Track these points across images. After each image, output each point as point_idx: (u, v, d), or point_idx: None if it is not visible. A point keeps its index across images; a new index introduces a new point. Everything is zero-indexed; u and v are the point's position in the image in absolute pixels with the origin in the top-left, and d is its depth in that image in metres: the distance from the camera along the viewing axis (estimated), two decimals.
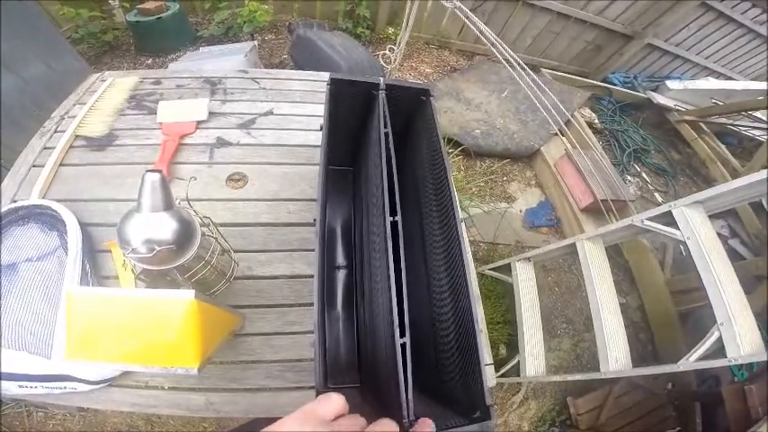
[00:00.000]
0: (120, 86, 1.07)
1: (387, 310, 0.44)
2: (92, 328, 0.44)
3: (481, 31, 1.81)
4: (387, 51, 2.57)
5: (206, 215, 0.61)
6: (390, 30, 3.26)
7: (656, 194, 3.01)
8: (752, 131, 3.27)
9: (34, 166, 0.87)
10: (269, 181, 0.92)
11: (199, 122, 1.00)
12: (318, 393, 0.41)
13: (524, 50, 3.51)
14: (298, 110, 1.09)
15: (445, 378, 0.55)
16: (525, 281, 1.60)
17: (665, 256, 2.47)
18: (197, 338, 0.44)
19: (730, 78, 3.99)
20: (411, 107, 0.74)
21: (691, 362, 0.98)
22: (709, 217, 1.06)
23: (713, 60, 3.88)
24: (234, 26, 2.77)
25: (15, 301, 0.65)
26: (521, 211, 2.59)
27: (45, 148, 0.91)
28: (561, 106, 2.01)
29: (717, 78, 3.92)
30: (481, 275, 1.93)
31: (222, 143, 0.98)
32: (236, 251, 0.75)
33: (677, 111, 3.38)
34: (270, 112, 1.07)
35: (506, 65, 1.86)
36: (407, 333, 0.41)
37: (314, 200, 0.90)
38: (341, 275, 0.80)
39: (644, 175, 3.14)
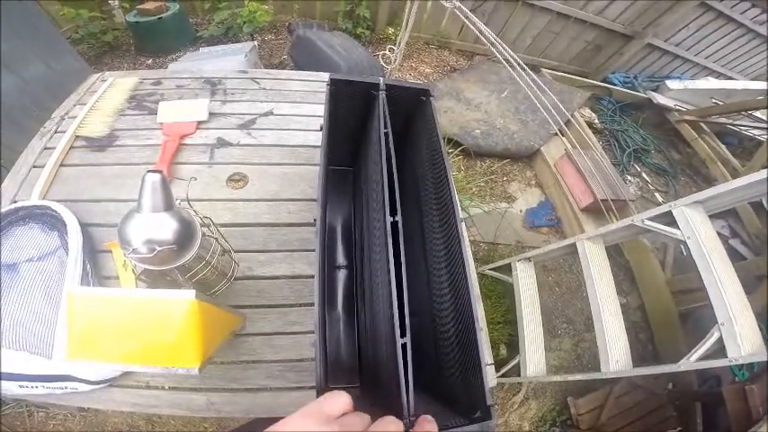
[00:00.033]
0: (121, 87, 1.07)
1: (387, 309, 0.44)
2: (92, 328, 0.44)
3: (481, 31, 1.81)
4: (387, 51, 2.57)
5: (206, 215, 0.61)
6: (390, 30, 3.26)
7: (656, 194, 3.01)
8: (752, 131, 3.27)
9: (35, 167, 0.87)
10: (269, 181, 0.92)
11: (199, 123, 1.00)
12: (319, 393, 0.41)
13: (524, 50, 3.51)
14: (298, 110, 1.09)
15: (446, 378, 0.55)
16: (526, 281, 1.60)
17: (665, 256, 2.47)
18: (198, 338, 0.44)
19: (730, 78, 3.99)
20: (411, 107, 0.74)
21: (691, 362, 0.98)
22: (710, 217, 1.06)
23: (713, 60, 3.88)
24: (234, 26, 2.77)
25: (16, 301, 0.65)
26: (521, 211, 2.59)
27: (45, 149, 0.91)
28: (561, 106, 2.01)
29: (717, 78, 3.92)
30: (481, 275, 1.93)
31: (222, 143, 0.98)
32: (236, 251, 0.75)
33: (677, 111, 3.38)
34: (270, 113, 1.07)
35: (506, 65, 1.86)
36: (408, 333, 0.41)
37: (314, 200, 0.90)
38: (341, 275, 0.80)
39: (644, 174, 3.14)
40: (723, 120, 3.28)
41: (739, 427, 1.54)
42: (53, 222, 0.74)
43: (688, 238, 1.02)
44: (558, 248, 1.46)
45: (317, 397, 0.32)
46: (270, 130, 1.03)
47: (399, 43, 2.41)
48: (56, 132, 0.95)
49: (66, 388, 0.63)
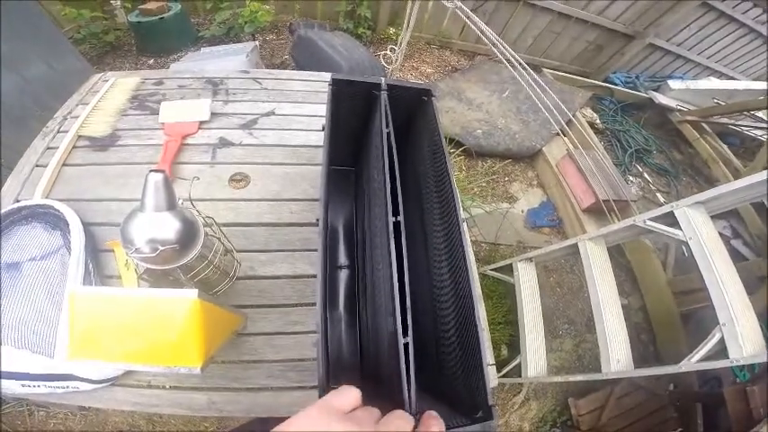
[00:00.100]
0: (123, 87, 1.07)
1: (389, 309, 0.44)
2: (95, 327, 0.44)
3: (482, 31, 1.81)
4: (388, 51, 2.57)
5: (209, 215, 0.61)
6: (391, 30, 3.26)
7: (658, 195, 3.01)
8: (754, 131, 3.27)
9: (37, 166, 0.88)
10: (271, 181, 0.92)
11: (201, 123, 1.00)
12: (322, 392, 0.41)
13: (525, 50, 3.51)
14: (299, 110, 1.09)
15: (447, 378, 0.55)
16: (527, 281, 1.60)
17: (667, 257, 2.47)
18: (200, 338, 0.44)
19: (732, 78, 3.98)
20: (412, 107, 0.74)
21: (693, 363, 0.98)
22: (712, 217, 1.06)
23: (715, 60, 3.88)
24: (235, 26, 2.78)
25: (19, 300, 0.65)
26: (522, 212, 2.59)
27: (48, 148, 0.91)
28: (563, 106, 2.02)
29: (718, 78, 3.91)
30: (483, 276, 1.93)
31: (224, 143, 0.98)
32: (238, 251, 0.76)
33: (679, 111, 3.38)
34: (272, 113, 1.07)
35: (507, 65, 1.86)
36: (410, 333, 0.41)
37: (316, 200, 0.90)
38: (343, 275, 0.80)
39: (646, 175, 3.14)
40: (725, 120, 3.28)
41: (740, 429, 1.54)
42: (56, 222, 0.75)
43: (690, 238, 1.02)
44: (559, 249, 1.46)
45: (320, 397, 0.32)
46: (271, 130, 1.03)
47: (401, 43, 2.41)
48: (58, 132, 0.95)
49: (67, 387, 0.63)
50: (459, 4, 1.82)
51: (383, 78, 0.67)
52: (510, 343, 1.95)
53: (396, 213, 0.49)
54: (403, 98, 0.70)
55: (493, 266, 1.86)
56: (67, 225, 0.72)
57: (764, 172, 0.94)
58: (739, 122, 3.27)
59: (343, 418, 0.29)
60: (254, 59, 2.51)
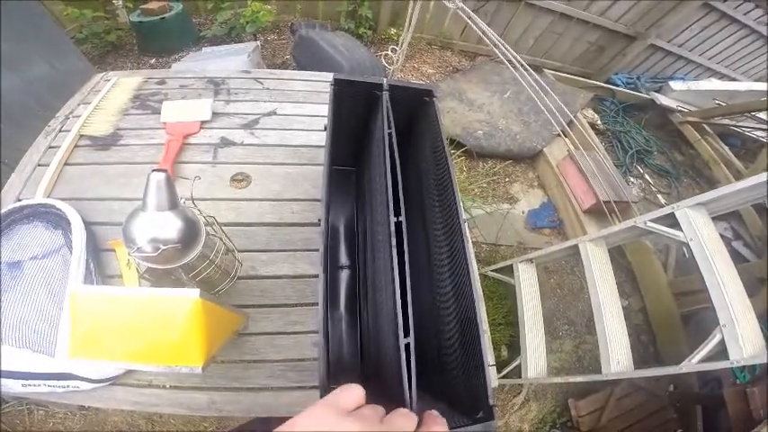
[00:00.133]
0: (125, 86, 1.07)
1: (391, 310, 0.44)
2: (96, 326, 0.44)
3: (483, 32, 1.81)
4: (389, 52, 2.56)
5: (210, 215, 0.61)
6: (392, 30, 3.26)
7: (658, 196, 3.01)
8: (755, 133, 3.27)
9: (39, 165, 0.88)
10: (272, 181, 0.92)
11: (202, 122, 1.00)
12: (323, 392, 0.41)
13: (527, 51, 3.51)
14: (301, 110, 1.09)
15: (448, 378, 0.55)
16: (527, 282, 1.60)
17: (667, 258, 2.47)
18: (202, 337, 0.44)
19: (733, 79, 3.98)
20: (414, 108, 0.74)
21: (693, 364, 0.98)
22: (713, 219, 1.06)
23: (716, 61, 3.87)
24: (237, 26, 2.78)
25: (20, 299, 0.65)
26: (523, 213, 2.59)
27: (50, 148, 0.91)
28: (564, 107, 2.01)
29: (720, 79, 3.91)
30: (483, 277, 1.93)
31: (226, 143, 0.98)
32: (239, 251, 0.76)
33: (680, 112, 3.38)
34: (273, 113, 1.07)
35: (509, 65, 1.86)
36: (411, 333, 0.41)
37: (317, 200, 0.90)
38: (344, 275, 0.80)
39: (647, 176, 3.14)
40: (726, 121, 3.28)
41: (740, 430, 1.53)
42: (57, 221, 0.75)
43: (690, 240, 1.02)
44: (559, 250, 1.46)
45: (321, 397, 0.32)
46: (273, 130, 1.03)
47: (402, 43, 2.40)
48: (60, 131, 0.95)
49: (67, 386, 0.63)
50: (461, 4, 1.82)
51: (385, 79, 0.67)
52: (510, 344, 1.95)
53: (397, 214, 0.49)
54: (404, 99, 0.70)
55: (493, 267, 1.86)
56: (69, 224, 0.72)
57: (765, 173, 0.93)
58: (740, 124, 3.27)
59: (348, 416, 0.29)
60: (256, 59, 2.51)
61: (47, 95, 1.43)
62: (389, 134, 0.57)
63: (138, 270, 0.68)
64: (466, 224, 0.55)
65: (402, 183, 0.52)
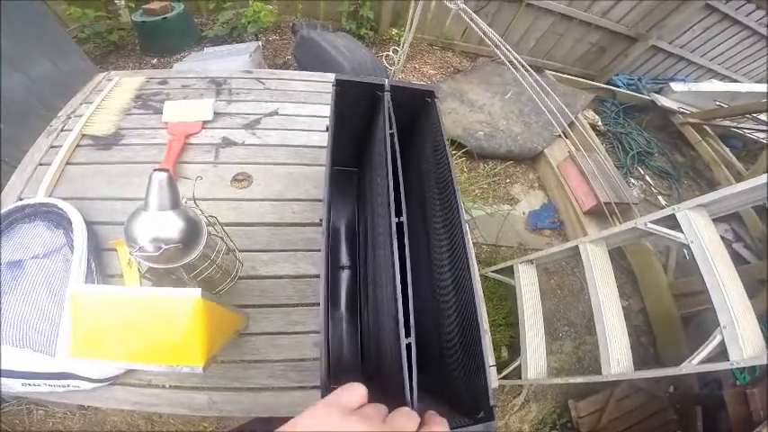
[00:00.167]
0: (127, 86, 1.07)
1: (392, 310, 0.44)
2: (97, 326, 0.44)
3: (485, 33, 1.81)
4: (390, 53, 2.57)
5: (211, 214, 0.61)
6: (394, 31, 3.26)
7: (659, 197, 3.01)
8: (756, 134, 3.26)
9: (41, 165, 0.88)
10: (273, 181, 0.93)
11: (204, 122, 1.01)
12: (324, 392, 0.41)
13: (528, 52, 3.51)
14: (302, 110, 1.09)
15: (448, 378, 0.55)
16: (527, 283, 1.60)
17: (668, 260, 2.46)
18: (203, 337, 0.45)
19: (735, 81, 3.98)
20: (415, 108, 0.74)
21: (693, 365, 0.98)
22: (713, 220, 1.06)
23: (717, 63, 3.87)
24: (238, 26, 2.78)
25: (21, 299, 0.65)
26: (524, 214, 2.59)
27: (52, 147, 0.92)
28: (565, 108, 2.01)
29: (721, 81, 3.91)
30: (484, 277, 1.93)
31: (227, 143, 0.98)
32: (240, 251, 0.76)
33: (681, 113, 3.37)
34: (275, 113, 1.07)
35: (510, 66, 1.86)
36: (413, 333, 0.41)
37: (318, 200, 0.90)
38: (344, 276, 0.80)
39: (647, 177, 3.14)
40: (727, 123, 3.27)
41: (740, 431, 1.53)
42: (59, 220, 0.75)
43: (691, 241, 1.02)
44: (560, 251, 1.46)
45: (322, 397, 0.32)
46: (274, 130, 1.03)
47: (403, 44, 2.41)
48: (62, 131, 0.95)
49: (68, 386, 0.63)
50: (462, 5, 1.82)
51: (386, 79, 0.67)
52: (510, 345, 1.95)
53: (399, 214, 0.49)
54: (406, 99, 0.70)
55: (494, 268, 1.86)
56: (70, 223, 0.73)
57: (765, 175, 0.93)
58: (741, 125, 3.27)
59: (350, 415, 0.29)
60: (257, 60, 2.52)
61: (49, 95, 1.44)
62: (391, 135, 0.57)
63: (139, 270, 0.69)
64: (467, 225, 0.55)
65: (403, 183, 0.52)
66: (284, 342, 0.73)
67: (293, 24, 2.90)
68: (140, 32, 2.76)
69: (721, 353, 0.93)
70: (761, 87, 3.64)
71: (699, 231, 1.02)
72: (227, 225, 0.74)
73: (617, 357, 1.14)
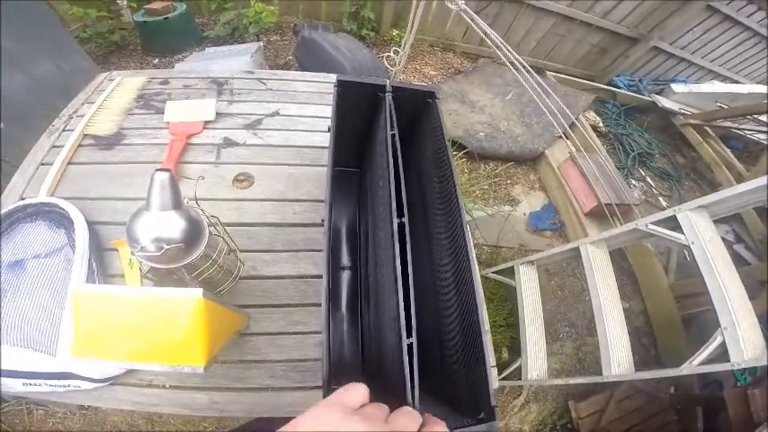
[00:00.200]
0: (129, 86, 1.07)
1: (393, 310, 0.44)
2: (99, 326, 0.44)
3: (486, 34, 1.81)
4: (391, 53, 2.57)
5: (213, 215, 0.61)
6: (395, 32, 3.26)
7: (660, 199, 3.01)
8: (757, 135, 3.26)
9: (43, 164, 0.88)
10: (275, 181, 0.93)
11: (206, 122, 1.01)
12: (326, 392, 0.41)
13: (529, 53, 3.51)
14: (303, 111, 1.09)
15: (449, 379, 0.55)
16: (528, 284, 1.60)
17: (669, 261, 2.46)
18: (204, 337, 0.45)
19: (736, 82, 3.98)
20: (417, 109, 0.74)
21: (694, 366, 0.98)
22: (714, 221, 1.05)
23: (719, 64, 3.87)
24: (240, 27, 2.78)
25: (22, 298, 0.65)
26: (524, 215, 2.59)
27: (53, 147, 0.92)
28: (566, 109, 2.01)
29: (722, 82, 3.91)
30: (484, 278, 1.93)
31: (229, 143, 0.98)
32: (241, 251, 0.76)
33: (682, 114, 3.37)
34: (276, 113, 1.07)
35: (511, 67, 1.86)
36: (414, 333, 0.41)
37: (319, 201, 0.90)
38: (345, 276, 0.80)
39: (648, 179, 3.14)
40: (728, 124, 3.27)
41: None
42: (60, 220, 0.75)
43: (692, 242, 1.02)
44: (561, 252, 1.46)
45: (324, 397, 0.32)
46: (276, 131, 1.03)
47: (404, 45, 2.41)
48: (64, 130, 0.96)
49: (69, 386, 0.63)
50: (463, 6, 1.82)
51: (388, 80, 0.67)
52: (511, 346, 1.95)
53: (400, 215, 0.49)
54: (407, 100, 0.70)
55: (494, 269, 1.86)
56: (72, 223, 0.73)
57: (766, 176, 0.93)
58: (742, 126, 3.27)
59: (352, 414, 0.29)
60: (259, 60, 2.52)
61: (51, 95, 1.44)
62: (393, 135, 0.57)
63: (140, 270, 0.69)
64: (468, 226, 0.55)
65: (404, 184, 0.53)
66: (285, 342, 0.73)
67: (294, 25, 2.90)
68: (142, 32, 2.76)
69: (722, 354, 0.93)
70: (762, 88, 3.64)
71: (700, 232, 1.02)
72: (229, 225, 0.74)
73: (617, 358, 1.14)
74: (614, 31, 3.34)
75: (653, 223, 1.13)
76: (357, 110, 0.73)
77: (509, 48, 1.82)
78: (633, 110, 3.60)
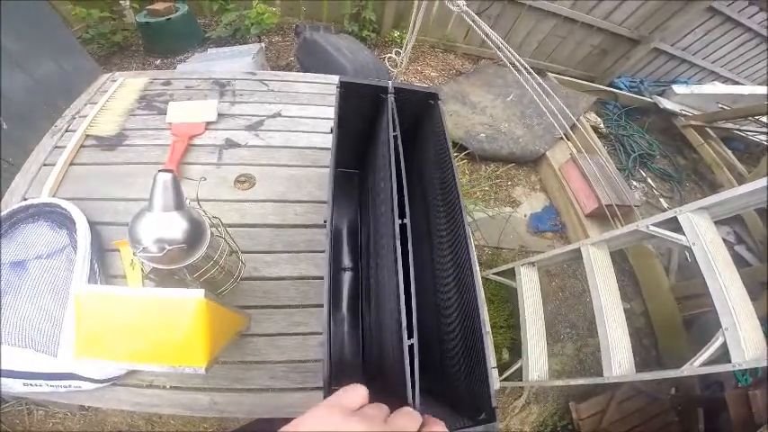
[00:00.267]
0: (131, 87, 1.08)
1: (394, 311, 0.44)
2: (100, 326, 0.45)
3: (487, 35, 1.82)
4: (392, 55, 2.57)
5: (215, 215, 0.61)
6: (396, 33, 3.27)
7: (661, 200, 3.00)
8: (758, 136, 3.26)
9: (45, 165, 0.88)
10: (276, 182, 0.93)
11: (207, 123, 1.01)
12: (326, 393, 0.41)
13: (530, 54, 3.51)
14: (305, 112, 1.10)
15: (449, 380, 0.55)
16: (529, 285, 1.60)
17: (669, 262, 2.46)
18: (205, 338, 0.45)
19: (737, 83, 3.98)
20: (419, 110, 0.74)
21: (695, 367, 0.98)
22: (715, 223, 1.05)
23: (720, 65, 3.87)
24: (241, 28, 2.79)
25: (24, 299, 0.65)
26: (525, 216, 2.59)
27: (56, 147, 0.92)
28: (567, 110, 2.01)
29: (723, 83, 3.91)
30: (485, 280, 1.93)
31: (230, 144, 0.98)
32: (243, 252, 0.76)
33: (683, 115, 3.37)
34: (278, 114, 1.08)
35: (512, 69, 1.86)
36: (415, 335, 0.41)
37: (321, 202, 0.90)
38: (346, 277, 0.80)
39: (649, 180, 3.13)
40: (729, 125, 3.27)
41: None
42: (62, 220, 0.75)
43: (693, 244, 1.02)
44: (562, 253, 1.46)
45: (325, 397, 0.32)
46: (277, 132, 1.03)
47: (406, 46, 2.41)
48: (66, 131, 0.96)
49: (69, 386, 0.63)
50: (465, 7, 1.83)
51: (390, 82, 0.67)
52: (511, 347, 1.95)
53: (402, 216, 0.49)
54: (409, 101, 0.70)
55: (495, 270, 1.86)
56: (74, 224, 0.73)
57: (766, 178, 0.93)
58: (744, 127, 3.26)
59: (352, 415, 0.29)
60: (260, 61, 2.52)
61: (53, 95, 1.44)
62: (395, 137, 0.57)
63: (142, 270, 0.69)
64: (469, 227, 0.55)
65: (406, 185, 0.53)
66: (286, 343, 0.73)
67: (296, 26, 2.91)
68: (144, 33, 2.77)
69: (723, 355, 0.93)
70: (763, 90, 3.64)
71: (701, 234, 1.02)
72: (230, 226, 0.75)
73: (618, 359, 1.14)
74: (615, 32, 3.35)
75: (654, 224, 1.13)
76: (359, 111, 0.73)
77: (510, 49, 1.82)
78: (634, 111, 3.60)
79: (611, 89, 3.64)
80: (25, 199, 0.82)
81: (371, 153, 0.78)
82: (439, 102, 0.69)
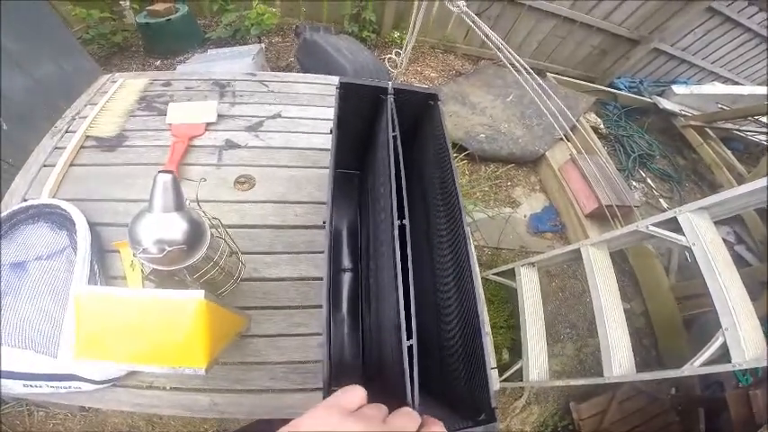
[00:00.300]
0: (131, 88, 1.08)
1: (394, 312, 0.44)
2: (100, 327, 0.44)
3: (487, 36, 1.82)
4: (392, 55, 2.57)
5: (215, 216, 0.61)
6: (396, 34, 3.27)
7: (661, 200, 3.00)
8: (758, 136, 3.26)
9: (45, 166, 0.88)
10: (276, 183, 0.93)
11: (207, 124, 1.01)
12: (326, 394, 0.41)
13: (530, 55, 3.51)
14: (305, 113, 1.09)
15: (449, 380, 0.55)
16: (529, 286, 1.60)
17: (669, 262, 2.46)
18: (205, 339, 0.45)
19: (736, 83, 3.98)
20: (418, 111, 0.74)
21: (695, 367, 0.98)
22: (715, 223, 1.05)
23: (719, 65, 3.87)
24: (241, 29, 2.79)
25: (24, 300, 0.65)
26: (525, 216, 2.59)
27: (56, 148, 0.92)
28: (566, 111, 2.01)
29: (723, 83, 3.91)
30: (485, 280, 1.93)
31: (230, 145, 0.98)
32: (243, 253, 0.76)
33: (683, 116, 3.37)
34: (278, 115, 1.08)
35: (512, 69, 1.86)
36: (414, 335, 0.41)
37: (320, 203, 0.90)
38: (346, 278, 0.80)
39: (649, 180, 3.13)
40: (729, 125, 3.27)
41: None
42: (62, 221, 0.75)
43: (693, 244, 1.02)
44: (561, 254, 1.46)
45: (324, 398, 0.32)
46: (277, 133, 1.03)
47: (405, 47, 2.41)
48: (66, 132, 0.96)
49: (70, 387, 0.63)
50: (465, 8, 1.83)
51: (390, 82, 0.67)
52: (512, 347, 1.95)
53: (401, 217, 0.49)
54: (409, 102, 0.70)
55: (495, 271, 1.86)
56: (74, 225, 0.73)
57: (767, 178, 0.93)
58: (743, 128, 3.26)
59: (350, 416, 0.29)
60: (260, 62, 2.53)
61: (53, 96, 1.44)
62: (394, 137, 0.57)
63: (142, 271, 0.69)
64: (468, 228, 0.55)
65: (406, 186, 0.53)
66: (286, 344, 0.73)
67: (296, 27, 2.91)
68: (144, 34, 2.77)
69: (723, 355, 0.93)
70: (762, 90, 3.63)
71: (700, 234, 1.02)
72: (230, 227, 0.75)
73: (619, 359, 1.14)
74: (615, 32, 3.35)
75: (654, 225, 1.13)
76: (359, 112, 0.73)
77: (510, 49, 1.82)
78: (634, 111, 3.60)
79: (611, 89, 3.64)
80: (25, 200, 0.82)
81: (371, 154, 0.78)
82: (439, 102, 0.69)
